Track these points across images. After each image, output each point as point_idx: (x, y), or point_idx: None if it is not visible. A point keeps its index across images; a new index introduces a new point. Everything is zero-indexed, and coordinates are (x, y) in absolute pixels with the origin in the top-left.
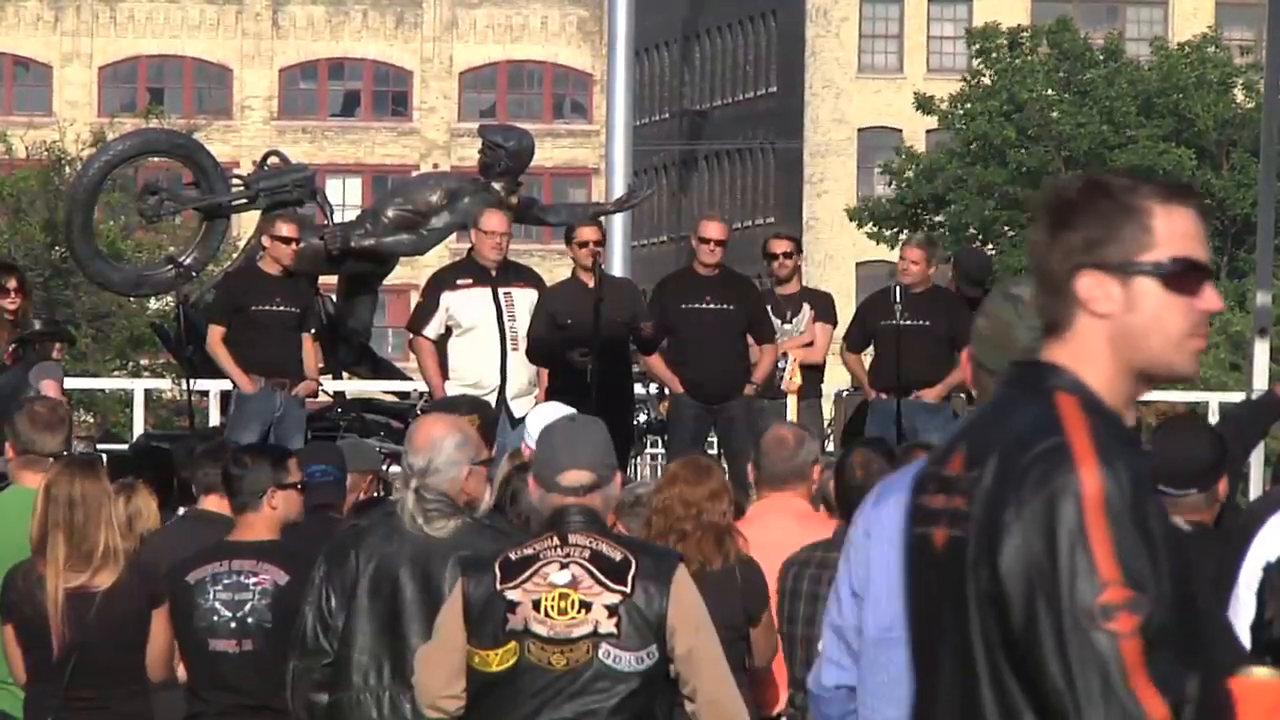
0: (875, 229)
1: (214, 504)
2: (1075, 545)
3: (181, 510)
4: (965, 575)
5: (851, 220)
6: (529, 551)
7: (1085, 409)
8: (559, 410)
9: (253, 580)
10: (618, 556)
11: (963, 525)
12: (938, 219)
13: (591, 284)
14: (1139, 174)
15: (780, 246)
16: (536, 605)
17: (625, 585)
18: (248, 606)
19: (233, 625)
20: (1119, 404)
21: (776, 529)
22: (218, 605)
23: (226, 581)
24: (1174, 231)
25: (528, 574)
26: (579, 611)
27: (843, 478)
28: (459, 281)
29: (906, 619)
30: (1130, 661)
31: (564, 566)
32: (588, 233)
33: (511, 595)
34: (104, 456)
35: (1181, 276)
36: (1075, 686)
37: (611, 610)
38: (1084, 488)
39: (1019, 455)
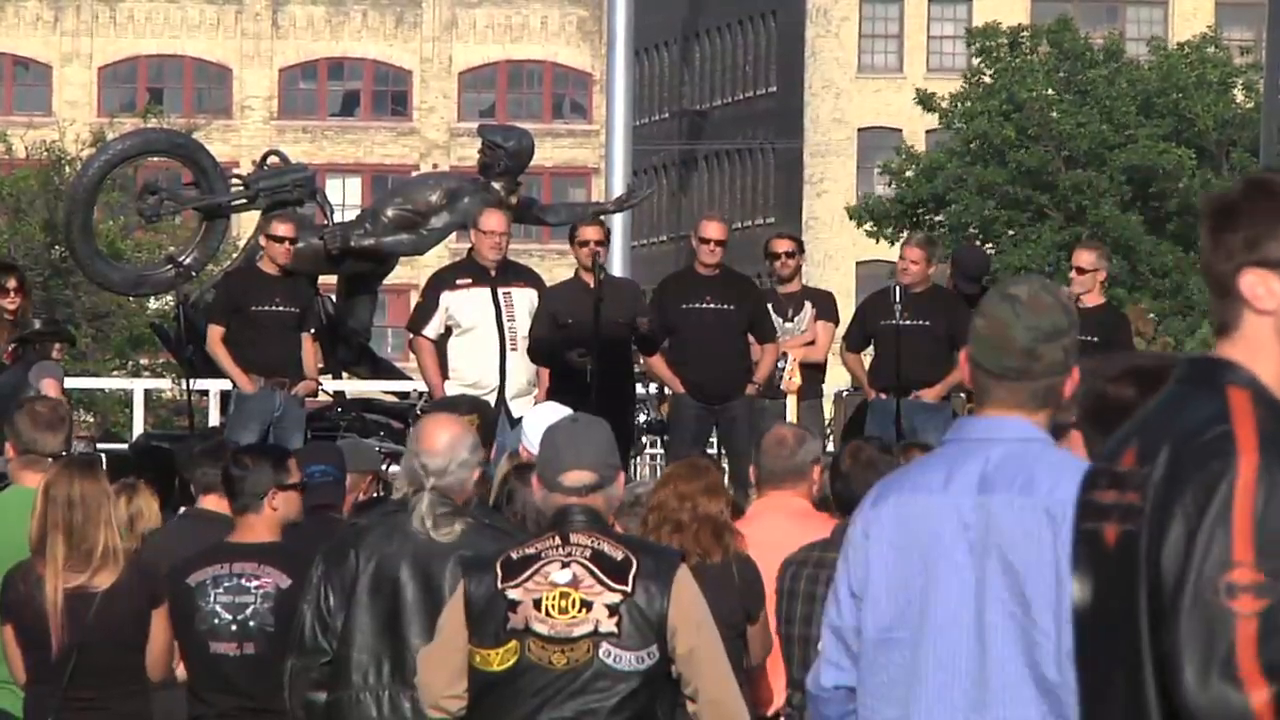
0: (875, 228)
1: (213, 503)
2: (1218, 522)
3: (181, 510)
4: (1137, 569)
5: (851, 219)
6: (530, 551)
7: (1256, 403)
8: (555, 410)
9: (254, 583)
10: (619, 556)
11: (1135, 520)
12: (938, 219)
13: (592, 284)
14: None
15: (783, 246)
16: (537, 604)
17: (626, 584)
18: (249, 610)
19: (233, 628)
20: None
21: (775, 528)
22: (218, 608)
23: (227, 584)
24: None
25: (529, 573)
26: (580, 611)
27: (835, 470)
28: (458, 281)
29: (1074, 613)
30: (1242, 641)
31: (565, 565)
32: (589, 232)
33: (513, 594)
34: (104, 456)
35: None
36: (1186, 655)
37: (612, 609)
38: (1239, 471)
39: (1188, 446)
